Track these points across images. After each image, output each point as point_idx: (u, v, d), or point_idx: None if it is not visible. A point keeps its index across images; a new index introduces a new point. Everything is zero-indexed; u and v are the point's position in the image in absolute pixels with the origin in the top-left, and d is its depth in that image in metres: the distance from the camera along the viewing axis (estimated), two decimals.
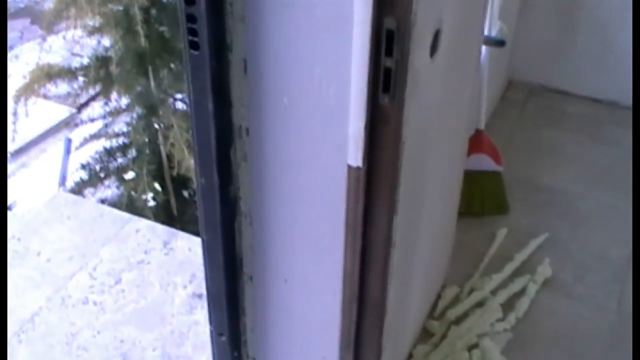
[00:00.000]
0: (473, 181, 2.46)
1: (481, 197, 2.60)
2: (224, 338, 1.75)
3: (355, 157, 1.30)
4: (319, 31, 1.22)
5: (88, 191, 3.26)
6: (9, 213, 2.96)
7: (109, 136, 3.32)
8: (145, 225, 2.66)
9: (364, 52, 1.17)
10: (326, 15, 1.19)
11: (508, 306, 2.26)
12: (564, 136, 3.09)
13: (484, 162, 2.54)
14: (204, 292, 1.73)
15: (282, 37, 1.26)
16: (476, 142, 2.48)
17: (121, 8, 2.93)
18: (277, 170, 1.44)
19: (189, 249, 2.52)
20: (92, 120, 3.39)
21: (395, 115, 1.26)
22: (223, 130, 1.39)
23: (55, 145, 4.03)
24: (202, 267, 1.69)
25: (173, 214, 3.31)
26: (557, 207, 2.70)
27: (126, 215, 2.72)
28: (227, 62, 1.33)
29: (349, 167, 1.32)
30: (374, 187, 1.34)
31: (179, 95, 3.17)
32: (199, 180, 1.47)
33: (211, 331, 1.77)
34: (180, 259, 2.48)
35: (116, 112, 3.28)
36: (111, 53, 3.02)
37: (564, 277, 2.39)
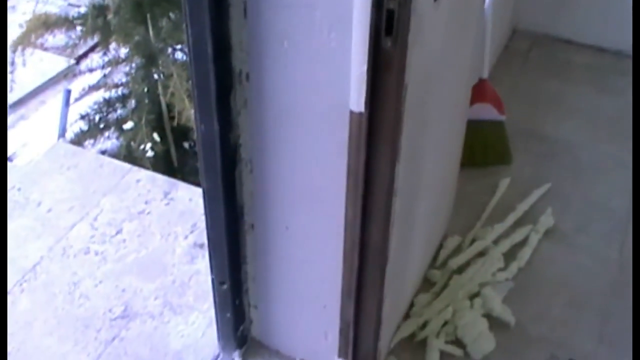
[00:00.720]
0: (476, 131, 2.44)
1: (484, 147, 2.58)
2: (225, 286, 1.75)
3: (357, 102, 1.28)
4: None
5: (88, 142, 3.24)
6: (9, 164, 2.95)
7: (108, 87, 3.28)
8: (146, 175, 2.65)
9: None
10: None
11: (510, 256, 2.26)
12: (568, 86, 3.06)
13: (487, 112, 2.52)
14: (205, 242, 1.73)
15: None
16: (479, 91, 2.45)
17: None
18: (277, 116, 1.42)
19: (189, 199, 2.51)
20: (90, 70, 3.35)
21: (398, 59, 1.24)
22: (223, 75, 1.37)
23: (55, 97, 3.99)
24: (202, 218, 1.69)
25: (173, 165, 3.29)
26: (560, 158, 2.69)
27: (126, 165, 2.71)
28: (226, 6, 1.30)
29: (351, 112, 1.30)
30: (376, 134, 1.33)
31: (178, 46, 3.12)
32: (199, 127, 1.45)
33: (213, 280, 1.78)
34: (180, 209, 2.48)
35: (115, 62, 3.23)
36: (109, 1, 2.96)
37: (565, 227, 2.39)
